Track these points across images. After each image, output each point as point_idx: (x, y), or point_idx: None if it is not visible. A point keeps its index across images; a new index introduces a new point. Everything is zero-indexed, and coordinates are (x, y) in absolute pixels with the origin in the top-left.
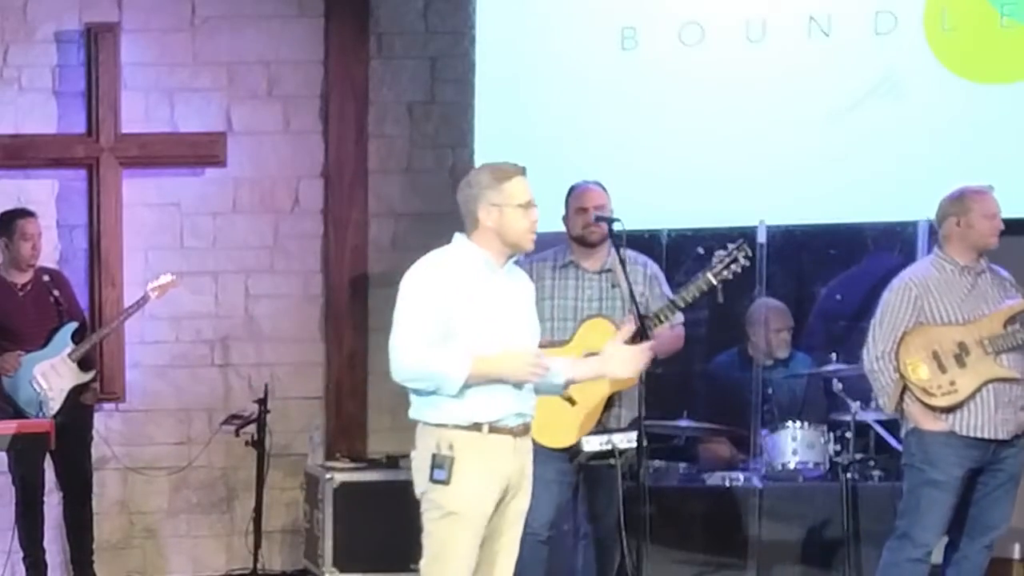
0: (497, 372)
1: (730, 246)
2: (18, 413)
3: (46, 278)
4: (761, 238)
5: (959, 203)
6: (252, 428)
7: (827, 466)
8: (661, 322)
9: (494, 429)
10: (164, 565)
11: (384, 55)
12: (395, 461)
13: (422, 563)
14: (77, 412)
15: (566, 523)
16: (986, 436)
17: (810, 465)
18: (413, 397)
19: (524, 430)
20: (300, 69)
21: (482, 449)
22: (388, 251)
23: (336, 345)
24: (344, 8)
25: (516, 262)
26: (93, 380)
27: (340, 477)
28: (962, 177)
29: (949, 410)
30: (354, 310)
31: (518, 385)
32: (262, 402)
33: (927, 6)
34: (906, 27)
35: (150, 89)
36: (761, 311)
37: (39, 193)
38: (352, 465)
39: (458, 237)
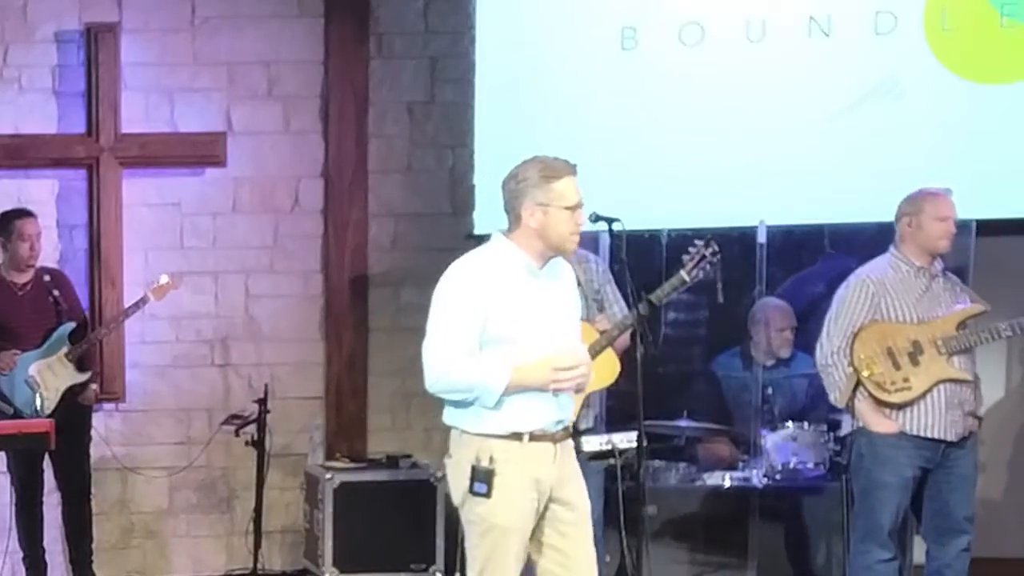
0: (534, 382)
1: (698, 243)
2: (15, 412)
3: (47, 278)
4: (761, 238)
5: (912, 203)
6: (252, 428)
7: (827, 466)
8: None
9: (535, 438)
10: (164, 565)
11: (384, 55)
12: (395, 461)
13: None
14: (74, 412)
15: None
16: (936, 436)
17: (810, 465)
18: (448, 403)
19: (565, 435)
20: (300, 69)
21: (523, 459)
22: (388, 251)
23: (336, 345)
24: (344, 8)
25: None
26: (91, 380)
27: (340, 477)
28: (963, 177)
29: (901, 407)
30: (354, 310)
31: (557, 392)
32: (262, 402)
33: (927, 6)
34: (906, 27)
35: (150, 89)
36: (764, 310)
37: (39, 193)
38: (352, 465)
39: (497, 236)
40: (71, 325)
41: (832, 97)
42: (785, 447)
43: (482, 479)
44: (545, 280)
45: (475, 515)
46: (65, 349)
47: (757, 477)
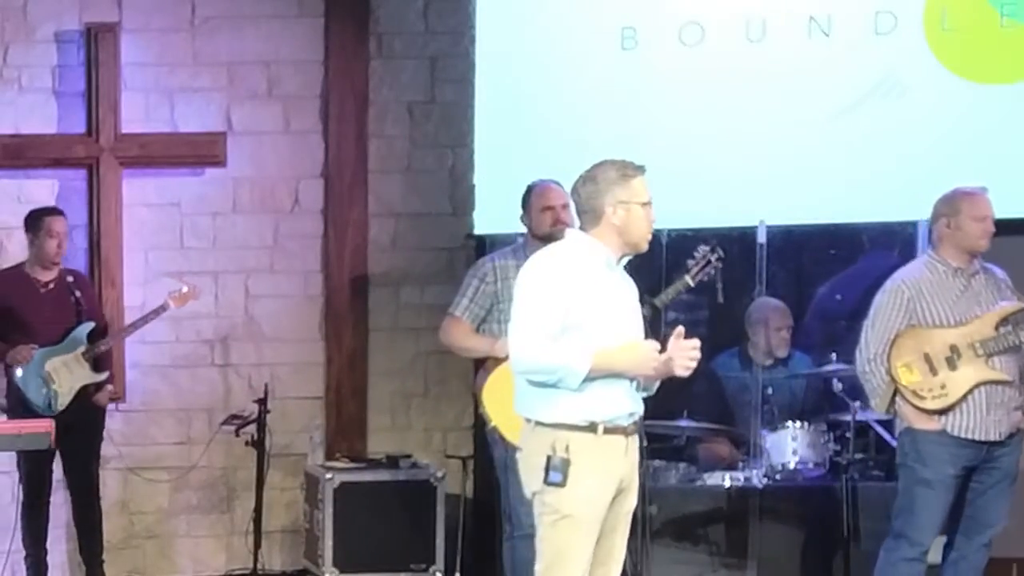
0: (619, 366)
1: (704, 248)
2: (26, 406)
3: (70, 279)
4: (761, 238)
5: (949, 204)
6: (252, 428)
7: (827, 466)
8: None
9: (608, 430)
10: (164, 565)
11: (384, 55)
12: (395, 461)
13: (538, 568)
14: (87, 412)
15: None
16: (978, 438)
17: (810, 465)
18: (523, 393)
19: (635, 429)
20: (300, 69)
21: (597, 451)
22: (388, 251)
23: (336, 345)
24: (344, 8)
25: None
26: (107, 381)
27: (340, 477)
28: (962, 177)
29: (940, 412)
30: (354, 310)
31: (634, 383)
32: (262, 402)
33: (927, 6)
34: (906, 27)
35: (150, 89)
36: (761, 310)
37: (39, 193)
38: (352, 465)
39: (574, 233)
40: (90, 325)
41: (832, 97)
42: (785, 447)
43: (558, 468)
44: (619, 277)
45: (546, 505)
46: (82, 348)
47: (757, 477)
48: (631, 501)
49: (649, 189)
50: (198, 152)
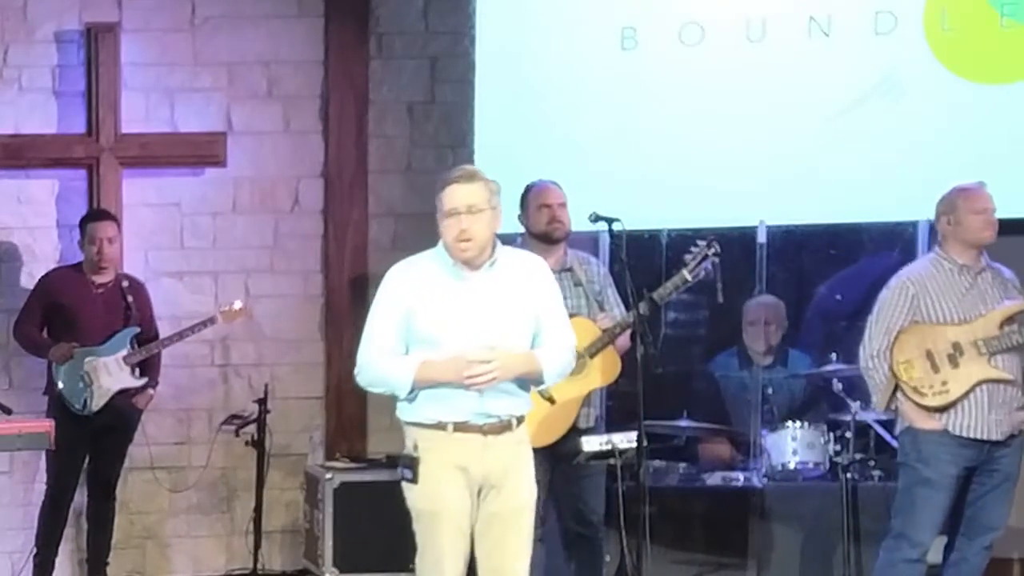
0: (438, 377)
1: (700, 243)
2: (63, 404)
3: (125, 283)
4: (761, 238)
5: (948, 202)
6: (252, 428)
7: (827, 466)
8: (641, 318)
9: (460, 428)
10: (164, 565)
11: (384, 55)
12: (395, 461)
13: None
14: (123, 414)
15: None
16: (979, 437)
17: (810, 465)
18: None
19: (500, 428)
20: (300, 69)
21: (446, 447)
22: (388, 251)
23: (336, 345)
24: (344, 8)
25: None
26: (148, 386)
27: (340, 477)
28: (962, 177)
29: (940, 410)
30: (354, 310)
31: (478, 388)
32: (262, 402)
33: (927, 6)
34: (906, 27)
35: (150, 89)
36: (757, 309)
37: (39, 193)
38: (352, 465)
39: (441, 243)
40: (135, 330)
41: (832, 97)
42: (785, 447)
43: (406, 465)
44: (481, 282)
45: (408, 502)
46: (124, 352)
47: (757, 477)
48: (502, 505)
49: (468, 197)
50: (198, 152)
